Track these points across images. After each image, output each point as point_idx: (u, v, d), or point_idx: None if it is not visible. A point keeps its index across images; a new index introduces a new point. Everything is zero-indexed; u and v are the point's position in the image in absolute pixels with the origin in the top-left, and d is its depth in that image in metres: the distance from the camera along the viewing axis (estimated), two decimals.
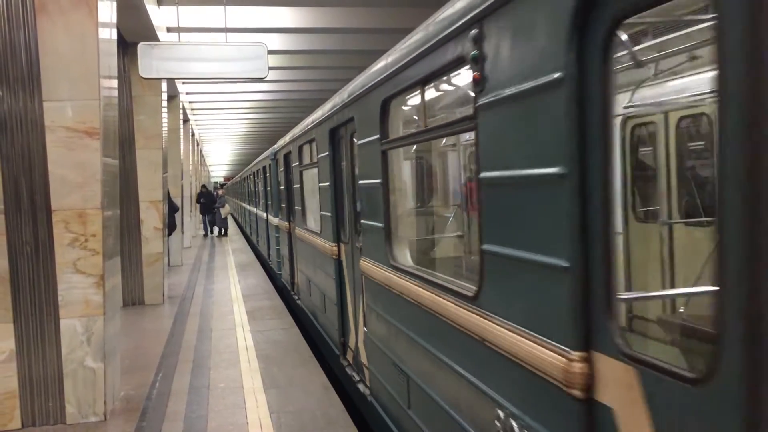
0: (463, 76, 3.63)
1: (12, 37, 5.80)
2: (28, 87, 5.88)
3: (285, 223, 13.06)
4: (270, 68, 9.69)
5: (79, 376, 6.14)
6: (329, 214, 7.84)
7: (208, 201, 30.55)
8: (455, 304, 3.72)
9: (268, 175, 16.94)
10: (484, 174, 3.28)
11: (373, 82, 5.41)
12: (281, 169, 13.44)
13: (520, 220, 2.95)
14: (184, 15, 11.51)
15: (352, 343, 7.35)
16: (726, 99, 1.77)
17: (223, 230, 31.44)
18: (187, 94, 21.42)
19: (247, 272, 16.98)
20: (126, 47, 11.34)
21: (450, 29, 3.56)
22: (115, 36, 6.83)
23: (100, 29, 6.00)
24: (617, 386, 2.37)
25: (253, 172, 23.86)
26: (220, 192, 35.77)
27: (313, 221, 9.69)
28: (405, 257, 5.21)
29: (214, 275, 16.77)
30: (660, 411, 2.18)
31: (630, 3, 2.21)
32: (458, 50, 3.49)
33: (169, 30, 12.64)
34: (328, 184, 7.79)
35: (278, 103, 24.76)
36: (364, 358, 6.68)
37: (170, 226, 15.64)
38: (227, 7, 11.08)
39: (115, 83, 6.76)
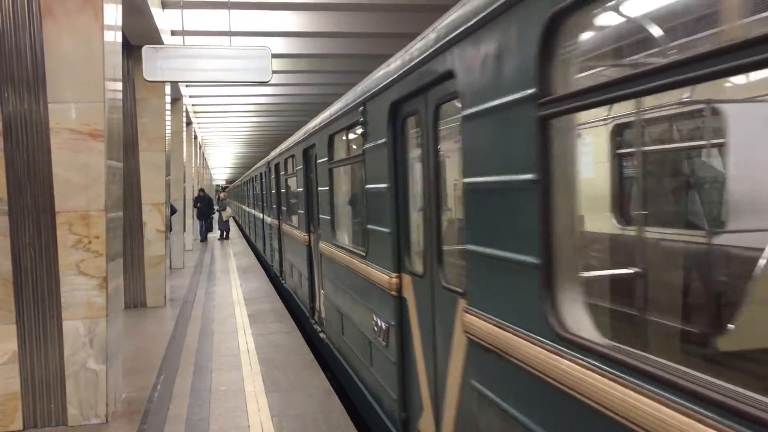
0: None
1: (18, 39, 5.82)
2: (33, 89, 5.89)
3: (275, 221, 15.54)
4: (274, 72, 9.72)
5: (81, 377, 6.14)
6: (303, 212, 10.44)
7: (204, 205, 28.68)
8: (358, 261, 6.24)
9: (263, 180, 19.48)
10: (367, 186, 5.72)
11: (324, 122, 7.98)
12: (273, 176, 15.99)
13: (378, 211, 5.40)
14: (189, 18, 11.54)
15: (317, 305, 9.97)
16: None
17: (224, 233, 31.39)
18: (190, 96, 21.46)
19: (249, 275, 16.99)
20: (130, 50, 11.37)
21: (353, 103, 6.19)
22: (120, 39, 6.85)
23: (106, 32, 6.02)
24: (407, 288, 4.84)
25: (252, 178, 27.20)
26: (221, 195, 35.65)
27: (293, 218, 12.28)
28: (342, 237, 7.74)
29: (215, 278, 16.78)
30: (417, 294, 4.65)
31: (409, 111, 4.66)
32: (357, 116, 5.96)
33: (173, 33, 12.67)
34: (302, 189, 10.36)
35: (282, 107, 24.77)
36: (323, 313, 9.13)
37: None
38: (231, 10, 11.10)
39: (119, 86, 6.78)
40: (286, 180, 13.36)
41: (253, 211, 26.74)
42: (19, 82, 5.86)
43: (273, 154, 16.01)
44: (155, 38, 11.09)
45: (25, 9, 5.81)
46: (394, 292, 5.03)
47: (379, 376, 5.76)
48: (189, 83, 18.45)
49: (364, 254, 6.01)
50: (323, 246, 8.39)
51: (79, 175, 5.97)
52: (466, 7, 3.40)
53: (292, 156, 11.70)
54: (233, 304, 12.69)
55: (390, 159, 4.99)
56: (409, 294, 4.84)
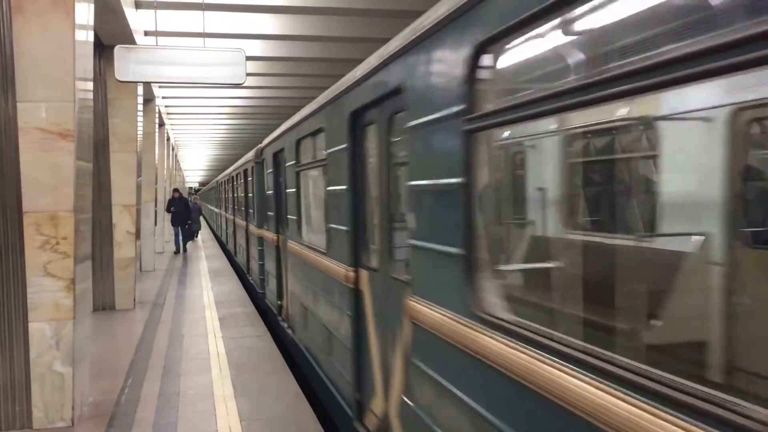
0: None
1: None
2: (1, 88, 5.82)
3: (243, 222, 16.79)
4: (249, 74, 9.68)
5: (47, 380, 6.06)
6: (272, 213, 10.84)
7: (180, 209, 24.30)
8: (317, 256, 6.84)
9: (235, 184, 20.10)
10: (329, 188, 6.12)
11: (290, 127, 8.66)
12: (255, 175, 15.64)
13: (338, 212, 5.83)
14: (162, 19, 11.44)
15: (284, 303, 10.25)
16: None
17: (193, 235, 30.66)
18: (163, 98, 21.25)
19: (221, 278, 16.88)
20: (102, 50, 11.26)
21: (315, 115, 6.92)
22: (92, 38, 6.79)
23: (77, 31, 5.96)
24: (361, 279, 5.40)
25: (229, 178, 25.88)
26: (193, 198, 34.26)
27: (263, 219, 12.62)
28: (306, 236, 8.02)
29: (186, 281, 16.63)
30: (372, 287, 5.08)
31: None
32: (318, 123, 6.66)
33: (146, 33, 12.55)
34: (272, 192, 10.82)
35: (256, 110, 24.63)
36: (290, 311, 9.61)
37: None
38: (206, 12, 11.04)
39: (90, 85, 6.71)
40: (254, 183, 13.30)
41: (224, 213, 26.12)
42: None
43: (243, 159, 16.17)
44: (128, 38, 10.99)
45: None
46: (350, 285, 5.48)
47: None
48: (162, 84, 18.30)
49: (324, 251, 6.44)
50: (291, 245, 9.01)
51: (47, 175, 5.89)
52: None
53: (263, 161, 11.81)
54: (204, 307, 12.60)
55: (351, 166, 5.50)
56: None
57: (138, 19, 11.80)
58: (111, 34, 10.79)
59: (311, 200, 8.09)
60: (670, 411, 1.85)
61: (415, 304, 3.85)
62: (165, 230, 26.05)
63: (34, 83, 5.85)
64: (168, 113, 24.79)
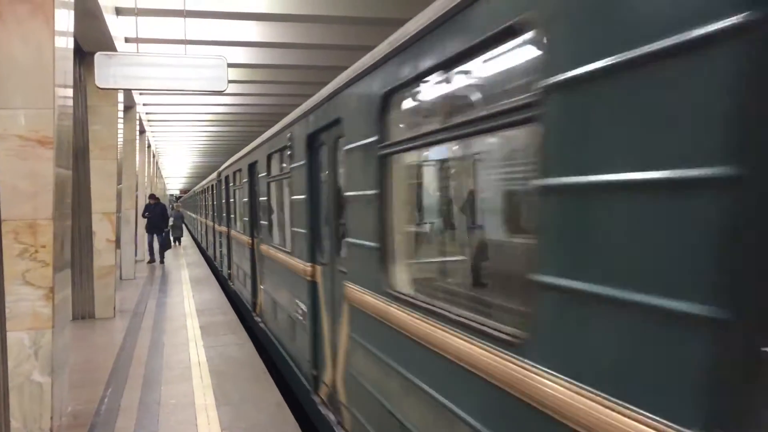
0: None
1: None
2: None
3: (212, 223, 21.57)
4: (230, 81, 9.67)
5: (26, 390, 5.97)
6: (225, 215, 16.41)
7: (156, 216, 22.68)
8: (238, 234, 13.35)
9: (206, 195, 24.67)
10: (243, 199, 12.15)
11: (243, 155, 12.28)
12: (217, 189, 20.20)
13: (245, 210, 12.24)
14: (143, 26, 11.40)
15: (232, 271, 15.22)
16: None
17: (177, 241, 30.47)
18: (144, 105, 21.14)
19: (202, 287, 16.77)
20: (83, 56, 11.19)
21: (241, 159, 12.48)
22: (71, 45, 6.75)
23: (57, 38, 5.92)
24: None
25: (202, 190, 29.79)
26: (175, 206, 34.25)
27: (221, 219, 17.61)
28: (237, 225, 12.76)
29: (167, 289, 16.50)
30: (257, 244, 11.06)
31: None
32: (240, 165, 12.76)
33: (127, 40, 12.50)
34: (246, 200, 12.48)
35: (238, 117, 24.58)
36: (233, 274, 15.04)
37: None
38: (187, 19, 11.02)
39: (70, 92, 6.66)
40: (228, 192, 16.18)
41: (203, 219, 28.62)
42: None
43: (219, 169, 19.40)
44: (108, 45, 10.94)
45: None
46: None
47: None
48: (143, 91, 18.21)
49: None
50: (263, 247, 10.70)
51: (26, 183, 5.83)
52: None
53: (233, 174, 15.13)
54: (185, 315, 12.51)
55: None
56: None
57: (119, 26, 11.74)
58: (91, 41, 10.73)
59: (240, 205, 12.96)
60: None
61: (263, 246, 9.12)
62: (145, 238, 25.58)
63: (13, 90, 5.80)
64: (149, 120, 24.67)
